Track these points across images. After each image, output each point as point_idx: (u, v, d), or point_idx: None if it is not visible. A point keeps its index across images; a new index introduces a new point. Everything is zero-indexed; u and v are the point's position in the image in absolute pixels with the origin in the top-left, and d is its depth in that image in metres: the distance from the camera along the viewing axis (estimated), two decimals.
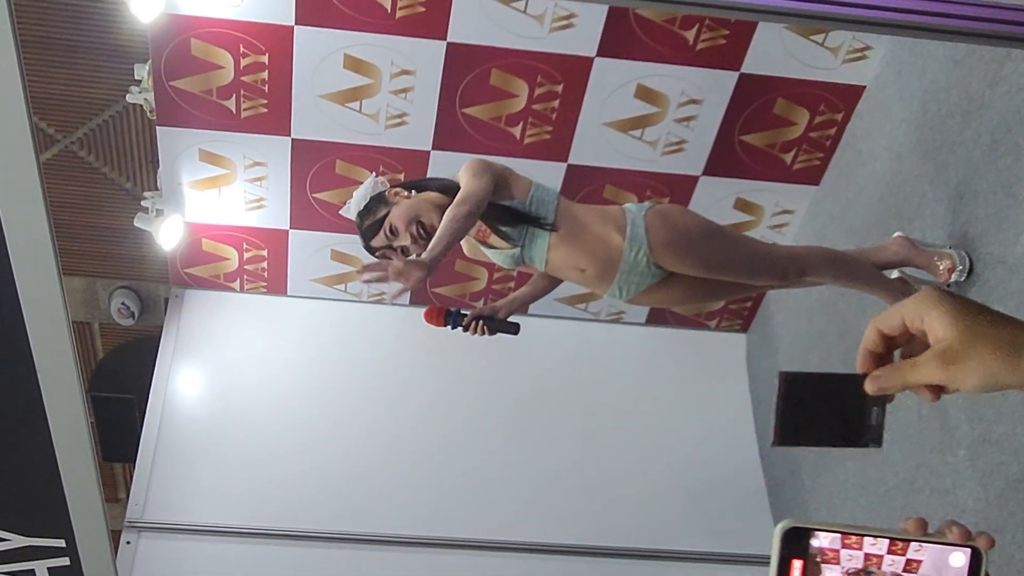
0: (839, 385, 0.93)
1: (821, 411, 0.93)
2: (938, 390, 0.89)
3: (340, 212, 2.74)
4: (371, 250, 2.66)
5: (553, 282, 2.88)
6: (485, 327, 2.69)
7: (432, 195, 2.62)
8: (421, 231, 2.57)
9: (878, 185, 3.46)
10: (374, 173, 2.68)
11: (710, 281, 2.76)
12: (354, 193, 2.67)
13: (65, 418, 2.16)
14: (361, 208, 2.63)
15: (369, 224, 2.61)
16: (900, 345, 0.92)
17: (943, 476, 2.95)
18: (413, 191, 2.63)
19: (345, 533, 3.71)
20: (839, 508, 3.51)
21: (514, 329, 2.73)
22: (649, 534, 3.87)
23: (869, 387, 0.91)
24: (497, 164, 2.64)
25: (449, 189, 2.60)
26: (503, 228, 2.61)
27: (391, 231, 2.57)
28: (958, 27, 1.51)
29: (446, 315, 2.68)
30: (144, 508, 3.66)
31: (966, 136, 2.99)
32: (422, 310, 2.72)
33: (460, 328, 2.69)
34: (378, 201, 2.62)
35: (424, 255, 2.41)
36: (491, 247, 2.70)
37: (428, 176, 2.78)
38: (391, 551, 3.73)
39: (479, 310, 2.72)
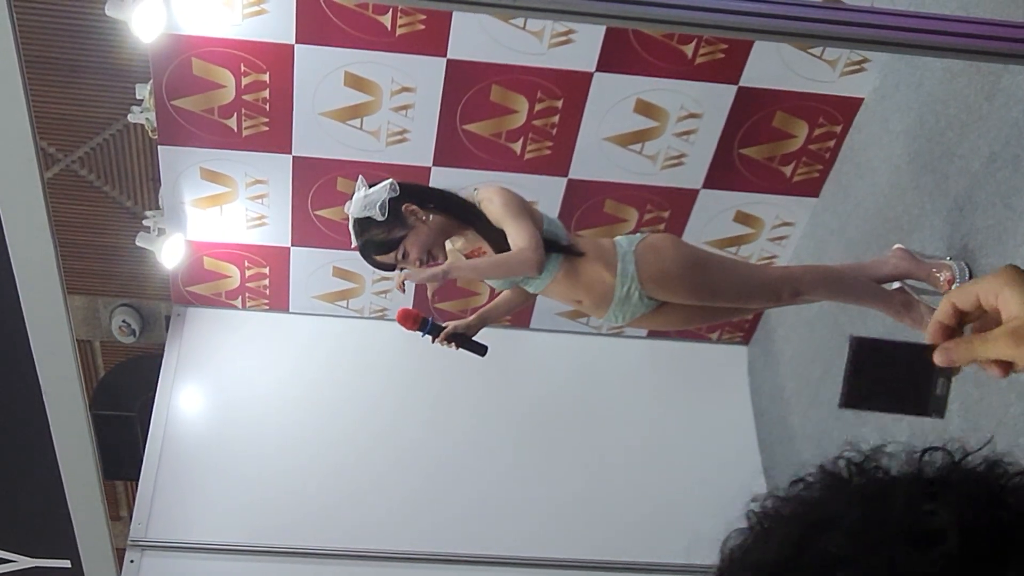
0: (908, 354, 0.94)
1: (888, 378, 0.95)
2: (1007, 366, 0.90)
3: (345, 208, 2.66)
4: (371, 260, 2.63)
5: (525, 296, 2.88)
6: (453, 342, 2.72)
7: (445, 220, 2.63)
8: (428, 260, 2.61)
9: (877, 197, 3.48)
10: (391, 180, 2.63)
11: (704, 306, 2.79)
12: (364, 191, 2.58)
13: (70, 438, 2.17)
14: (376, 215, 2.56)
15: (382, 239, 2.57)
16: (972, 320, 0.93)
17: None
18: (430, 215, 2.62)
19: (349, 550, 3.71)
20: None
21: (481, 351, 2.74)
22: (651, 547, 3.86)
23: (938, 358, 0.92)
24: (522, 198, 2.65)
25: (468, 216, 2.61)
26: None
27: (403, 255, 2.59)
28: (952, 44, 1.52)
29: (421, 323, 2.69)
30: (147, 526, 3.65)
31: (964, 148, 3.00)
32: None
33: (429, 337, 2.70)
34: (396, 218, 2.57)
35: (448, 266, 2.49)
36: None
37: (440, 188, 2.71)
38: (395, 567, 3.72)
39: (453, 328, 2.71)
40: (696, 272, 2.71)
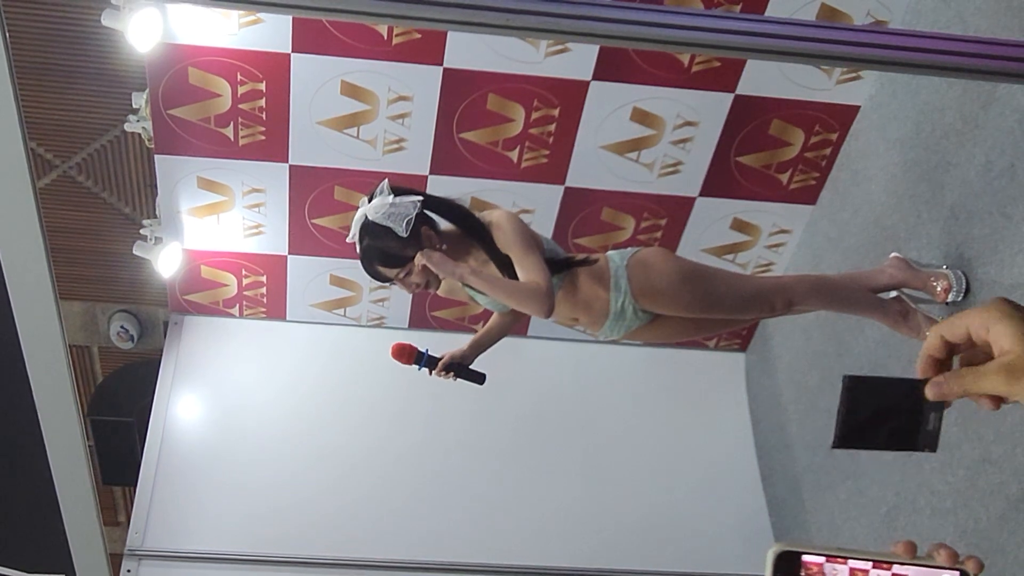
0: (899, 389, 0.95)
1: (881, 414, 0.95)
2: (998, 400, 0.90)
3: (360, 204, 2.63)
4: (370, 266, 2.62)
5: (515, 319, 2.89)
6: (450, 373, 2.72)
7: (456, 246, 2.63)
8: (424, 285, 2.64)
9: (874, 205, 3.48)
10: (421, 197, 2.60)
11: (698, 318, 2.80)
12: (391, 199, 2.55)
13: (64, 452, 2.17)
14: (400, 230, 2.53)
15: (393, 252, 2.56)
16: (961, 352, 0.93)
17: (944, 496, 2.96)
18: (444, 244, 2.61)
19: (346, 559, 3.71)
20: (840, 528, 3.51)
21: (480, 379, 2.75)
22: (650, 554, 3.86)
23: (930, 393, 0.92)
24: (528, 226, 2.66)
25: (480, 241, 2.61)
26: None
27: (407, 274, 2.59)
28: (946, 63, 1.52)
29: (417, 357, 2.68)
30: (144, 535, 3.65)
31: (961, 157, 3.00)
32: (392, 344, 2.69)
33: (426, 370, 2.70)
34: (414, 237, 2.56)
35: (470, 270, 2.50)
36: (480, 291, 2.70)
37: (463, 205, 2.69)
38: None
39: (449, 359, 2.72)
40: (688, 284, 2.72)
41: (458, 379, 2.73)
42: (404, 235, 2.54)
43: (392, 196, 2.56)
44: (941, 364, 0.93)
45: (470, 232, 2.64)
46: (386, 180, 2.61)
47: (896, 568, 0.87)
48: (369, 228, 2.57)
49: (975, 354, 0.92)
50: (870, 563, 0.87)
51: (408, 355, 2.68)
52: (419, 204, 2.56)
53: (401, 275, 2.60)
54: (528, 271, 2.53)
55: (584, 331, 4.29)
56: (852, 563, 0.87)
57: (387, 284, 2.68)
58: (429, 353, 2.69)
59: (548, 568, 3.78)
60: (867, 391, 0.95)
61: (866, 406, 0.95)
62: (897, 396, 0.95)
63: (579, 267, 2.70)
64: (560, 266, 2.65)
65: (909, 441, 0.95)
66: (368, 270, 2.64)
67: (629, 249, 2.77)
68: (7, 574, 2.22)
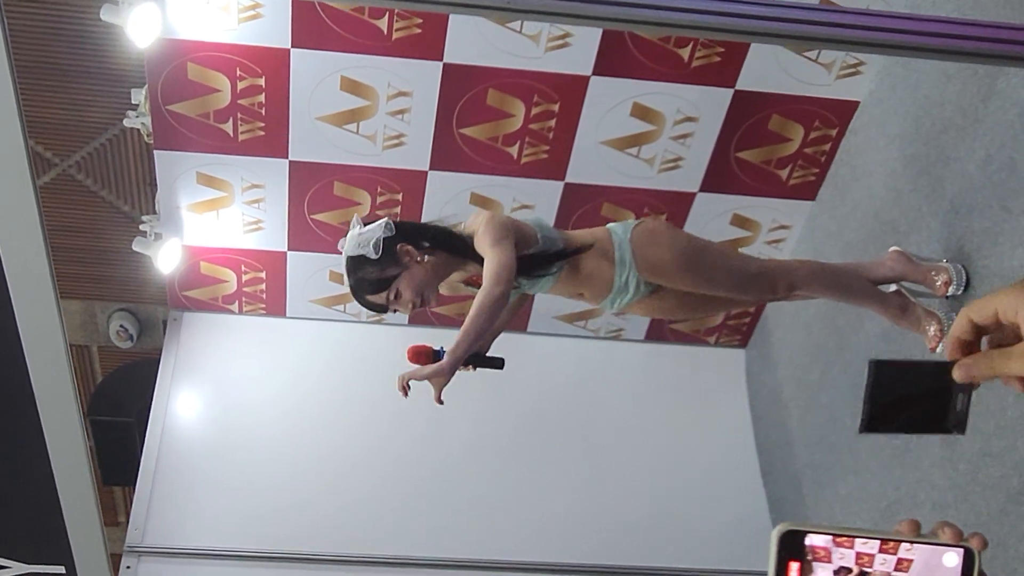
0: (927, 372, 0.94)
1: (908, 398, 0.95)
2: None
3: (339, 246, 2.63)
4: (362, 300, 2.58)
5: (521, 301, 2.86)
6: (470, 364, 2.68)
7: (441, 260, 2.59)
8: (420, 302, 2.58)
9: (873, 200, 3.48)
10: (387, 218, 2.57)
11: (700, 294, 2.77)
12: (358, 229, 2.55)
13: (64, 443, 2.16)
14: (370, 253, 2.51)
15: (374, 278, 2.53)
16: (989, 333, 0.93)
17: (944, 490, 2.95)
18: (426, 256, 2.57)
19: (346, 555, 3.70)
20: (841, 523, 3.51)
21: (499, 364, 2.72)
22: (650, 551, 3.86)
23: (957, 374, 0.92)
24: (507, 219, 2.60)
25: (462, 250, 2.57)
26: (538, 273, 2.61)
27: (396, 296, 2.55)
28: (948, 46, 1.52)
29: (434, 356, 2.66)
30: (144, 533, 3.64)
31: (961, 151, 3.00)
32: (408, 346, 2.60)
33: None
34: (390, 256, 2.52)
35: (447, 362, 2.42)
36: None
37: (436, 224, 2.66)
38: (393, 573, 3.71)
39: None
40: (692, 257, 2.69)
41: (477, 368, 2.71)
42: (376, 256, 2.51)
43: (360, 226, 2.56)
44: (969, 346, 0.93)
45: (450, 249, 2.60)
46: (356, 215, 2.61)
47: (902, 549, 0.86)
48: (348, 264, 2.56)
49: (1004, 336, 0.91)
50: (876, 543, 0.86)
51: (426, 356, 2.64)
52: (385, 227, 2.53)
53: (391, 296, 2.54)
54: (488, 263, 2.47)
55: (584, 325, 4.30)
56: (858, 544, 0.86)
57: (387, 312, 2.64)
58: (445, 350, 2.68)
59: (549, 564, 3.78)
60: (893, 375, 0.95)
61: (893, 390, 0.94)
62: (924, 379, 0.94)
63: (568, 258, 2.66)
64: (555, 258, 2.62)
65: (938, 424, 0.95)
66: (363, 304, 2.60)
67: (631, 221, 2.73)
68: (8, 565, 2.22)
